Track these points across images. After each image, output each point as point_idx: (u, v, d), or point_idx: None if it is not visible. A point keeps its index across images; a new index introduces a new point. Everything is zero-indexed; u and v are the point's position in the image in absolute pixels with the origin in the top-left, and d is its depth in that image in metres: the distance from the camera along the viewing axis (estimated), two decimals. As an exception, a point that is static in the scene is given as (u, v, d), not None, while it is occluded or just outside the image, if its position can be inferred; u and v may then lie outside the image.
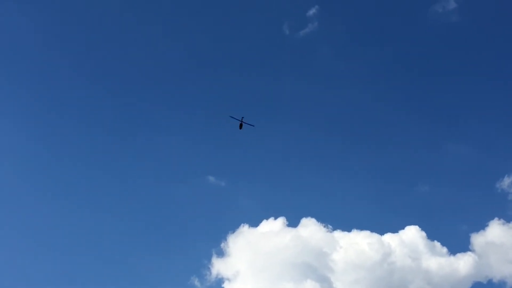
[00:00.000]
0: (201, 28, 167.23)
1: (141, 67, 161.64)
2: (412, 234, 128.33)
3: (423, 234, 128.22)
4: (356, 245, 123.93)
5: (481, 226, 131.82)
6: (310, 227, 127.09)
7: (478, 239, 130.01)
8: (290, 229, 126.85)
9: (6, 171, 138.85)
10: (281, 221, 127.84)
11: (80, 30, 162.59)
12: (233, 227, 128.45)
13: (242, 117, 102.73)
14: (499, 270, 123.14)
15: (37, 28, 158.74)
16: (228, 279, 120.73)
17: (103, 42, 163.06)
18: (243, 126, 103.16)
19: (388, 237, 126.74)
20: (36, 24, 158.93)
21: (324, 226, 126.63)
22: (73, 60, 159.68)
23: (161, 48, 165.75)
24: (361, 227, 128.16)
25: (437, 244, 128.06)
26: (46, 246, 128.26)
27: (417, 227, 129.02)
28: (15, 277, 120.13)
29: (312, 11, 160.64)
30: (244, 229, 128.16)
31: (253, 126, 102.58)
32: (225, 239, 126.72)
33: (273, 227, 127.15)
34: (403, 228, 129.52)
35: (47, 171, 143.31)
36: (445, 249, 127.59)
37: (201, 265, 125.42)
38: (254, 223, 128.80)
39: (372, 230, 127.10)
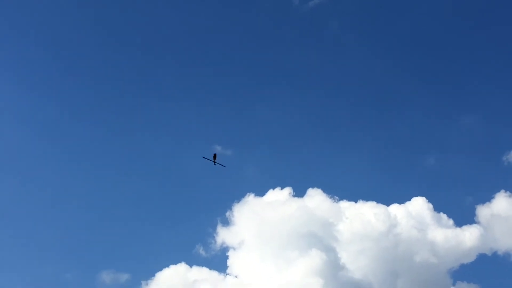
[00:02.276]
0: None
1: (148, 33, 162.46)
2: (419, 205, 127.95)
3: (430, 205, 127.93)
4: (362, 216, 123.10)
5: (487, 198, 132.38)
6: (316, 198, 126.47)
7: (484, 211, 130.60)
8: (296, 199, 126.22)
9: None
10: (287, 191, 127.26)
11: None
12: (239, 196, 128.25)
13: (215, 154, 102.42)
14: (504, 242, 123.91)
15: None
16: (233, 248, 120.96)
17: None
18: (216, 162, 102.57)
19: (394, 208, 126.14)
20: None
21: (330, 197, 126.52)
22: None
23: (168, 16, 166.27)
24: (367, 198, 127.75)
25: (443, 216, 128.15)
26: (50, 209, 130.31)
27: (424, 198, 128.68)
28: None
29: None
30: (250, 198, 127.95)
31: (224, 167, 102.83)
32: (231, 208, 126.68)
33: (279, 197, 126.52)
34: (410, 199, 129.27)
35: (53, 131, 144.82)
36: (451, 221, 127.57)
37: (206, 233, 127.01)
38: (260, 192, 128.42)
39: (378, 201, 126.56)
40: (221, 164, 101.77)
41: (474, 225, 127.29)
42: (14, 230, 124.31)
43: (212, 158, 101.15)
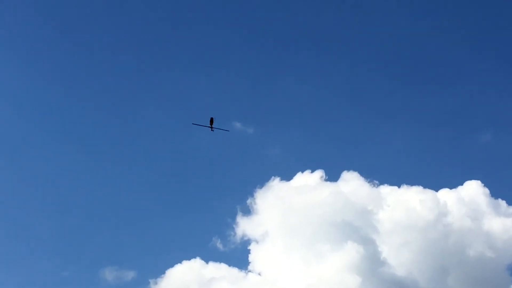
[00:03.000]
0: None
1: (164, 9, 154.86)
2: (473, 190, 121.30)
3: (486, 190, 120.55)
4: (406, 203, 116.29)
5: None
6: (352, 182, 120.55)
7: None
8: (329, 183, 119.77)
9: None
10: (318, 174, 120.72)
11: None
12: (262, 181, 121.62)
13: (212, 118, 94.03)
14: None
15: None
16: (256, 241, 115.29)
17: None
18: (214, 128, 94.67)
19: (444, 194, 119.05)
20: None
21: (369, 181, 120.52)
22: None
23: None
24: (412, 182, 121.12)
25: (502, 202, 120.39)
26: (50, 199, 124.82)
27: (479, 182, 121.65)
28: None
29: None
30: (275, 183, 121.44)
31: (227, 131, 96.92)
32: (252, 195, 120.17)
33: (309, 181, 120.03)
34: (462, 184, 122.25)
35: (63, 118, 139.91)
36: (511, 209, 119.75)
37: (224, 224, 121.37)
38: (287, 176, 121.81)
39: (425, 186, 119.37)
40: (221, 129, 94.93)
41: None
42: (13, 224, 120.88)
43: (208, 124, 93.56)
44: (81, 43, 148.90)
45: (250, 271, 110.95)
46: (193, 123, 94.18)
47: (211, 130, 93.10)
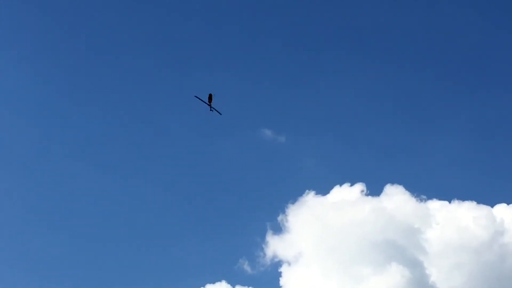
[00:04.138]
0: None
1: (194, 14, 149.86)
2: None
3: None
4: (458, 220, 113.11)
5: None
6: (396, 197, 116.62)
7: None
8: (370, 198, 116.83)
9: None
10: (358, 188, 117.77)
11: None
12: (295, 196, 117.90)
13: (211, 95, 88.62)
14: None
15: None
16: (288, 262, 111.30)
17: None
18: (212, 108, 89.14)
19: (501, 210, 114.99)
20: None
21: (415, 196, 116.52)
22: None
23: None
24: (465, 197, 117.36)
25: None
26: (84, 220, 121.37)
27: None
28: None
29: None
30: (309, 197, 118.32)
31: (220, 114, 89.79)
32: (284, 211, 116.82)
33: (347, 196, 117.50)
34: None
35: (84, 133, 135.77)
36: None
37: (253, 244, 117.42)
38: (323, 190, 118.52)
39: (479, 201, 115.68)
40: (217, 111, 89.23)
41: None
42: (30, 244, 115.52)
43: (207, 101, 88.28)
44: (105, 57, 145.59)
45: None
46: (195, 95, 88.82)
47: (210, 110, 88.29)
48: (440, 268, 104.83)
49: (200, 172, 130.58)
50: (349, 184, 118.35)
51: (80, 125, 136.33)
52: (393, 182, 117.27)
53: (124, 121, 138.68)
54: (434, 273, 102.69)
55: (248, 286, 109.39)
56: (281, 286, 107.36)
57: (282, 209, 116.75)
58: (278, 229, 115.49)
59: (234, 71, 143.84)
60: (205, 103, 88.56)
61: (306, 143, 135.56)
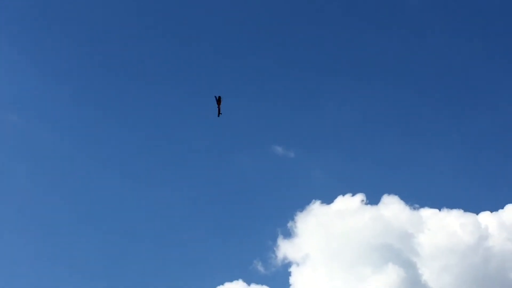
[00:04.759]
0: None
1: (204, 29, 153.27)
2: None
3: None
4: (447, 226, 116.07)
5: None
6: (392, 206, 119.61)
7: None
8: (370, 207, 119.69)
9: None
10: (359, 198, 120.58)
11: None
12: (303, 204, 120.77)
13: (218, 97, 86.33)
14: None
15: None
16: (296, 263, 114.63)
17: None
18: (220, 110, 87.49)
19: (485, 217, 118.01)
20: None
21: (410, 205, 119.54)
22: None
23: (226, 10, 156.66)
24: (453, 206, 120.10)
25: None
26: (98, 225, 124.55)
27: None
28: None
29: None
30: (315, 206, 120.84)
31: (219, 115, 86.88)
32: (293, 218, 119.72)
33: (349, 205, 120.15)
34: (503, 207, 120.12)
35: (91, 125, 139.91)
36: None
37: (266, 247, 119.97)
38: (328, 199, 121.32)
39: (466, 209, 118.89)
40: (219, 110, 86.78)
41: None
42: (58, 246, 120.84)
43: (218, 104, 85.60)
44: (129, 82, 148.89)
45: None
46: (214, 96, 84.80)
47: (218, 115, 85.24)
48: (431, 268, 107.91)
49: (220, 183, 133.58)
50: (351, 194, 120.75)
51: (112, 140, 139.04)
52: (389, 192, 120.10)
53: (154, 137, 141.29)
54: (426, 273, 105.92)
55: (262, 285, 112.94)
56: (290, 285, 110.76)
57: (291, 217, 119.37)
58: (288, 234, 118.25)
59: (249, 95, 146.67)
60: (218, 107, 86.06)
61: (313, 158, 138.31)
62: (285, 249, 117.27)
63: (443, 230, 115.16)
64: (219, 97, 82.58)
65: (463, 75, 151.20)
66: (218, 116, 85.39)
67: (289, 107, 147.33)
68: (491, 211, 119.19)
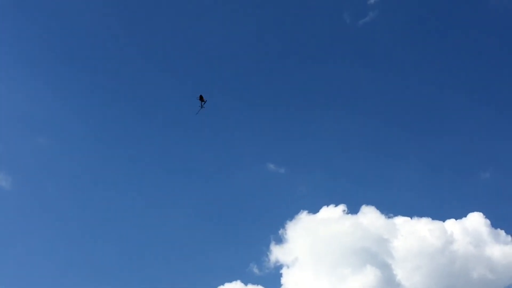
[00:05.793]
0: (262, 18, 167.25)
1: (204, 61, 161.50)
2: (476, 221, 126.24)
3: (487, 221, 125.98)
4: (417, 232, 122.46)
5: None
6: (370, 215, 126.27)
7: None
8: (350, 216, 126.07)
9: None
10: (341, 208, 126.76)
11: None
12: (292, 214, 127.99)
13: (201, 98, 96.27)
14: None
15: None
16: (287, 265, 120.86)
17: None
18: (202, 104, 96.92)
19: (450, 224, 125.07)
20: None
21: (385, 214, 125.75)
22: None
23: (224, 40, 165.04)
24: (422, 214, 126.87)
25: (501, 232, 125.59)
26: (109, 238, 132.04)
27: (481, 214, 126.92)
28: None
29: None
30: (303, 215, 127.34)
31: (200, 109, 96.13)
32: (284, 226, 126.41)
33: (332, 214, 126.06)
34: (466, 216, 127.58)
35: (109, 148, 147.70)
36: (509, 237, 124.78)
37: (260, 252, 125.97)
38: (314, 210, 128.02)
39: (433, 217, 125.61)
40: (201, 105, 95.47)
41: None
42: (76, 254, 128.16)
43: (200, 100, 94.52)
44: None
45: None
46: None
47: (201, 107, 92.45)
48: (404, 269, 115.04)
49: (220, 196, 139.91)
50: (334, 205, 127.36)
51: (126, 158, 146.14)
52: (367, 203, 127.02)
53: (167, 156, 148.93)
54: (399, 273, 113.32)
55: (257, 285, 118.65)
56: (282, 285, 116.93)
57: (282, 225, 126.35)
58: (279, 240, 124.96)
59: (246, 121, 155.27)
60: (201, 104, 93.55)
61: (301, 174, 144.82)
62: (277, 253, 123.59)
63: (414, 235, 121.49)
64: (201, 96, 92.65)
65: (427, 105, 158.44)
66: (200, 110, 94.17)
67: (280, 131, 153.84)
68: (456, 219, 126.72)
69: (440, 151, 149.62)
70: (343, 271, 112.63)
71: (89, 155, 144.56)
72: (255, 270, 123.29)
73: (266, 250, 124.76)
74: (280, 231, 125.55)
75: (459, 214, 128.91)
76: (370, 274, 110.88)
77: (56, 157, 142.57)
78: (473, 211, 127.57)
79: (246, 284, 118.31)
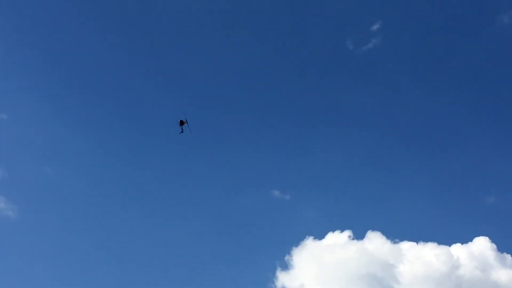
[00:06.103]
0: (266, 45, 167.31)
1: (204, 76, 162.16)
2: (482, 245, 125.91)
3: (493, 245, 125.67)
4: (423, 257, 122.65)
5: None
6: (376, 240, 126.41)
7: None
8: (356, 241, 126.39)
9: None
10: (346, 234, 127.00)
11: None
12: (298, 240, 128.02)
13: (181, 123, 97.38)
14: None
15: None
16: None
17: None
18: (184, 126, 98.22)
19: (456, 249, 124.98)
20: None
21: (391, 239, 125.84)
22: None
23: (226, 58, 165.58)
24: (428, 239, 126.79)
25: (507, 256, 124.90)
26: (113, 256, 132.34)
27: (487, 238, 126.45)
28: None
29: (375, 26, 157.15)
30: (309, 241, 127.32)
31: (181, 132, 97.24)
32: (290, 252, 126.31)
33: (338, 240, 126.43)
34: (472, 240, 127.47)
35: (114, 176, 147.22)
36: None
37: (266, 278, 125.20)
38: (319, 235, 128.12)
39: (439, 242, 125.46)
40: (187, 128, 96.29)
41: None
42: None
43: (183, 125, 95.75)
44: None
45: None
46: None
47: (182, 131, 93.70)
48: None
49: (226, 223, 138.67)
50: (340, 231, 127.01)
51: (136, 184, 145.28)
52: (373, 229, 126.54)
53: (174, 184, 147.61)
54: None
55: None
56: None
57: (288, 251, 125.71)
58: (285, 266, 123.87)
59: (250, 148, 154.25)
60: (182, 126, 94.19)
61: (306, 200, 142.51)
62: (283, 279, 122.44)
63: (420, 260, 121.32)
64: (180, 120, 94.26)
65: (431, 130, 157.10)
66: (181, 132, 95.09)
67: (284, 158, 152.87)
68: (462, 243, 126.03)
69: (444, 175, 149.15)
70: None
71: (96, 184, 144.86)
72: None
73: (272, 277, 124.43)
74: (286, 257, 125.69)
75: (465, 238, 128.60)
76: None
77: (62, 186, 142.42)
78: (479, 235, 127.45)
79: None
